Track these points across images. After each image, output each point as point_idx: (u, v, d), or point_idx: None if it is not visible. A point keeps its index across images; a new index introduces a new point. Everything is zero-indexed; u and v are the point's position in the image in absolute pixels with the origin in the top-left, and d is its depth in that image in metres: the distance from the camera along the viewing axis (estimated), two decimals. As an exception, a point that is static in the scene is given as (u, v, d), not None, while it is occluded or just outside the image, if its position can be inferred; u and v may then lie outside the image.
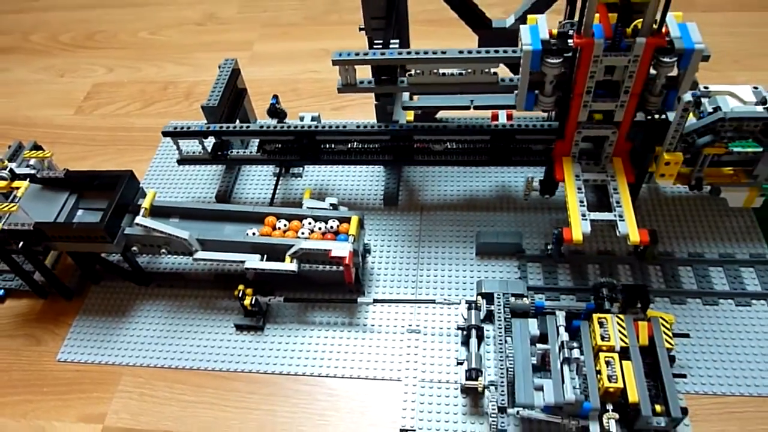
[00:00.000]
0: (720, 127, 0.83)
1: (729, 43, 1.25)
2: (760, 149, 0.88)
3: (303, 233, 0.89)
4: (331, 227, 0.90)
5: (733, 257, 0.92)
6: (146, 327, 0.94)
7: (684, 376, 0.79)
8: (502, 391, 0.75)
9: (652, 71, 0.75)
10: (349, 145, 0.98)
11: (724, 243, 0.94)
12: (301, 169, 1.10)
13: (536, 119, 0.98)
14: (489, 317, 0.85)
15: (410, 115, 0.98)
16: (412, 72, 0.82)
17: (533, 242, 0.96)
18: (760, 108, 0.83)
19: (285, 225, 0.91)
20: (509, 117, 0.94)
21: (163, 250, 0.91)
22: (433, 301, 0.88)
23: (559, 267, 0.93)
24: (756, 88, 0.87)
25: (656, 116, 0.80)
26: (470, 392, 0.82)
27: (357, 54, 0.81)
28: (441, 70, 0.82)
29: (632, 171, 0.84)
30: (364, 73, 0.86)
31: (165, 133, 1.00)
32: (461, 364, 0.83)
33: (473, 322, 0.82)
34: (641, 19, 0.72)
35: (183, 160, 1.04)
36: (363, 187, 1.08)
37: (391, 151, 0.98)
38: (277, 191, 1.08)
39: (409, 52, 0.80)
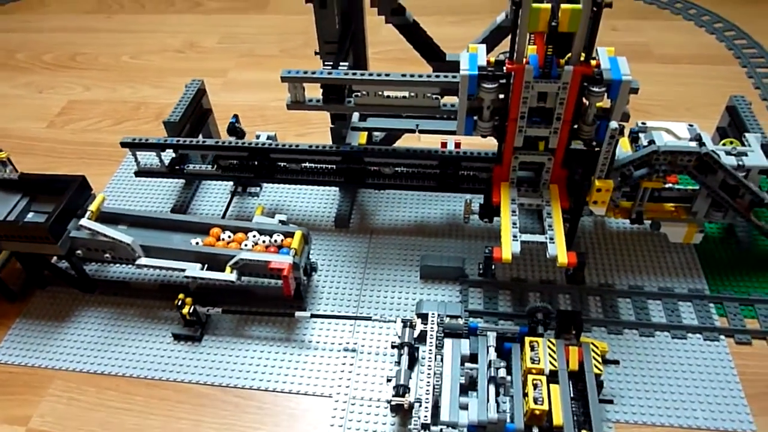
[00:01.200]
0: (654, 160, 0.86)
1: (682, 92, 1.30)
2: (698, 186, 0.90)
3: (246, 245, 0.90)
4: (275, 241, 0.91)
5: (672, 291, 0.93)
6: (84, 333, 0.93)
7: (611, 401, 0.79)
8: (427, 407, 0.74)
9: (585, 101, 0.79)
10: (303, 165, 1.01)
11: (665, 277, 0.95)
12: (258, 188, 1.13)
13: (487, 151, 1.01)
14: (423, 337, 0.85)
15: (363, 138, 1.00)
16: (359, 93, 0.85)
17: (476, 268, 0.97)
18: (693, 144, 0.86)
19: (229, 236, 0.92)
20: (457, 145, 0.96)
21: (107, 256, 0.92)
22: (369, 318, 0.88)
23: (500, 293, 0.94)
24: (691, 125, 0.90)
25: (591, 145, 0.83)
26: (399, 411, 0.80)
27: (305, 72, 0.84)
28: (386, 93, 0.85)
29: (567, 198, 0.86)
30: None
31: (123, 144, 1.03)
32: (390, 381, 0.82)
33: (406, 340, 0.82)
34: (569, 55, 0.76)
35: (140, 173, 1.06)
36: (316, 208, 1.10)
37: (343, 173, 1.00)
38: (233, 208, 1.10)
39: (354, 73, 0.83)
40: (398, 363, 0.84)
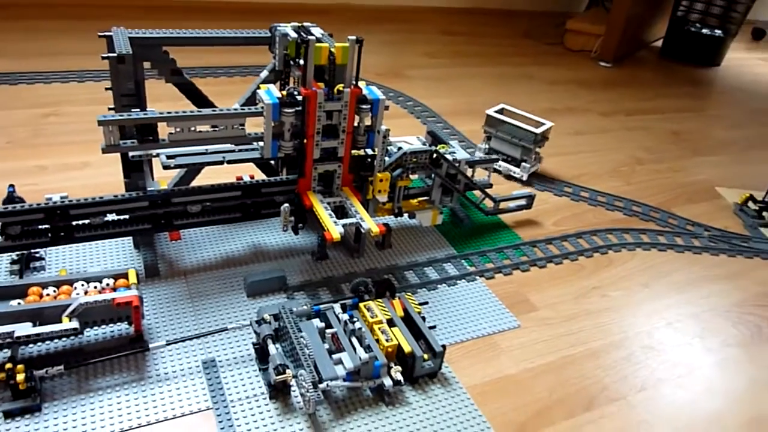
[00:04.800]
0: (404, 161, 1.17)
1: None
2: (431, 182, 1.25)
3: (78, 294, 0.88)
4: (108, 284, 0.91)
5: (436, 259, 1.23)
6: None
7: (434, 327, 1.03)
8: (310, 368, 0.85)
9: (357, 117, 1.05)
10: (105, 219, 1.02)
11: (428, 251, 1.26)
12: (43, 261, 1.06)
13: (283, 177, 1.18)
14: (277, 334, 0.95)
15: (163, 183, 1.07)
16: (173, 130, 0.95)
17: (295, 278, 1.12)
18: (426, 146, 1.20)
19: (55, 291, 0.88)
20: (251, 177, 1.12)
21: None
22: (225, 329, 0.94)
23: (320, 290, 1.11)
24: (419, 137, 1.26)
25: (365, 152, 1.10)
26: (279, 396, 0.89)
27: (121, 115, 0.91)
28: (198, 128, 0.97)
29: (357, 194, 1.10)
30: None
31: None
32: (264, 370, 0.90)
33: (266, 333, 0.92)
34: (341, 84, 1.02)
35: None
36: (118, 263, 1.09)
37: (149, 219, 1.04)
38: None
39: (169, 112, 0.94)
40: (261, 359, 0.93)
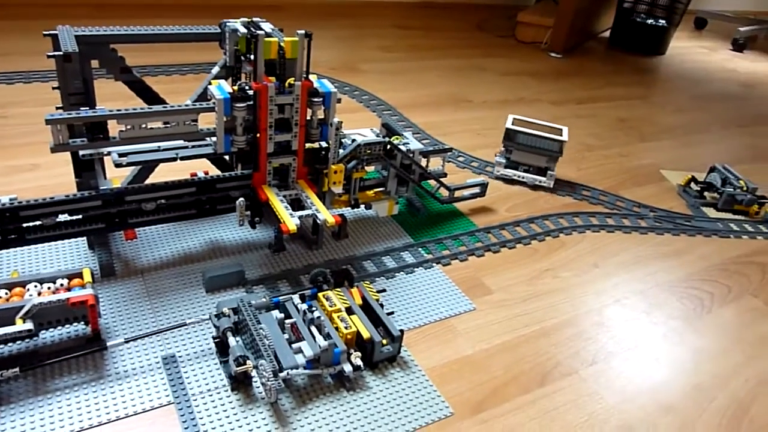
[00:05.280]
0: (359, 153, 1.19)
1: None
2: (386, 173, 1.27)
3: (31, 295, 0.87)
4: (62, 284, 0.90)
5: (393, 248, 1.26)
6: None
7: (392, 313, 1.06)
8: (271, 358, 0.87)
9: (309, 110, 1.07)
10: (57, 220, 1.01)
11: (386, 241, 1.28)
12: (-5, 265, 1.05)
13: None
14: (236, 327, 0.96)
15: (116, 182, 1.06)
16: (123, 128, 0.95)
17: (254, 272, 1.13)
18: (379, 138, 1.22)
19: (6, 293, 0.87)
20: (205, 173, 1.12)
21: None
22: (184, 324, 0.95)
23: (279, 283, 1.12)
24: (373, 129, 1.28)
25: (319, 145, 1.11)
26: (240, 387, 0.90)
27: (70, 113, 0.90)
28: (150, 125, 0.97)
29: (312, 187, 1.11)
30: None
31: None
32: (225, 363, 0.91)
33: (226, 326, 0.93)
34: (292, 78, 1.03)
35: None
36: (71, 264, 1.08)
37: (103, 219, 1.04)
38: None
39: (119, 110, 0.93)
40: (222, 352, 0.94)
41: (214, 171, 1.21)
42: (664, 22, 3.22)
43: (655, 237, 1.49)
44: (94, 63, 1.04)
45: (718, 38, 3.98)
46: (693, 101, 2.63)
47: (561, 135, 1.59)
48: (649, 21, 3.21)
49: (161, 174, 1.13)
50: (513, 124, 1.62)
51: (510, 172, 1.61)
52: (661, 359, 1.10)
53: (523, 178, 1.61)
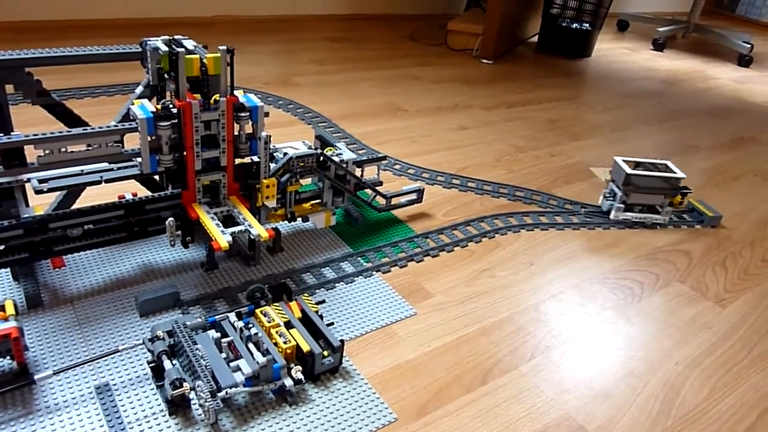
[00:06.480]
0: (291, 166, 1.19)
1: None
2: (321, 185, 1.28)
3: (-53, 333, 0.83)
4: (-18, 319, 0.86)
5: (333, 259, 1.26)
6: None
7: (332, 323, 1.06)
8: (208, 378, 0.85)
9: (237, 126, 1.06)
10: (-25, 253, 0.96)
11: (325, 252, 1.28)
12: None
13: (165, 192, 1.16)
14: (172, 350, 0.94)
15: (39, 209, 1.03)
16: (42, 153, 0.92)
17: (190, 292, 1.11)
18: (311, 150, 1.23)
19: None
20: (134, 194, 1.10)
21: None
22: (117, 351, 0.92)
23: (216, 302, 1.10)
24: (305, 142, 1.28)
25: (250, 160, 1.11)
26: (179, 411, 0.88)
27: (-20, 140, 0.87)
28: (70, 149, 0.94)
29: (246, 204, 1.10)
30: None
31: None
32: (161, 387, 0.89)
33: (161, 349, 0.90)
34: (217, 94, 1.02)
35: None
36: (-3, 299, 1.04)
37: (24, 248, 1.00)
38: None
39: (35, 134, 0.90)
40: (163, 369, 0.91)
41: (145, 192, 1.18)
42: (588, 25, 3.35)
43: (587, 232, 1.54)
44: (9, 88, 1.01)
45: (639, 39, 4.18)
46: (618, 99, 2.75)
47: (672, 170, 1.59)
48: (575, 25, 3.35)
49: (90, 198, 1.10)
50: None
51: (630, 214, 1.60)
52: (596, 349, 1.14)
53: (643, 219, 1.61)
